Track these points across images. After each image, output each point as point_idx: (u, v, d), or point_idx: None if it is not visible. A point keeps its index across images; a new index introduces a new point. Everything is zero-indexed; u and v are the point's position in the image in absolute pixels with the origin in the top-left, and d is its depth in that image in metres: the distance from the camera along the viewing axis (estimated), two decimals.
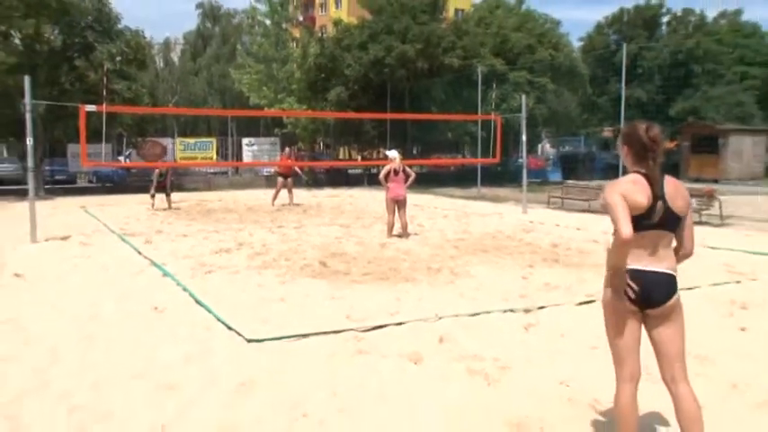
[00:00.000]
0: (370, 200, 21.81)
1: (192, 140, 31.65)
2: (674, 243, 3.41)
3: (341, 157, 38.54)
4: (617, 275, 3.27)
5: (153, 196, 19.22)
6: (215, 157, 30.49)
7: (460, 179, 30.63)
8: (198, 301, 7.24)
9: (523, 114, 17.86)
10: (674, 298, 3.33)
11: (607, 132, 40.99)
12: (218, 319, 6.47)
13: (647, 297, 3.28)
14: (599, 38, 40.62)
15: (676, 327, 3.37)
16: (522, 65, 30.40)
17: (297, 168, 21.28)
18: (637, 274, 3.27)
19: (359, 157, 38.42)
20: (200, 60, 55.19)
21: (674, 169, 31.47)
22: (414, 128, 32.87)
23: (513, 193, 23.56)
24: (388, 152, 13.14)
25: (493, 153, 19.46)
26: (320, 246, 11.34)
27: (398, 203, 12.38)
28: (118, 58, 25.97)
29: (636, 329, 3.36)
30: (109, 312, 6.87)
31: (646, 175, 3.28)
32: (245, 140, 33.08)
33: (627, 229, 3.11)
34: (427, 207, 19.12)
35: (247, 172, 34.14)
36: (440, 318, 6.47)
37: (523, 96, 18.93)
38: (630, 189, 3.24)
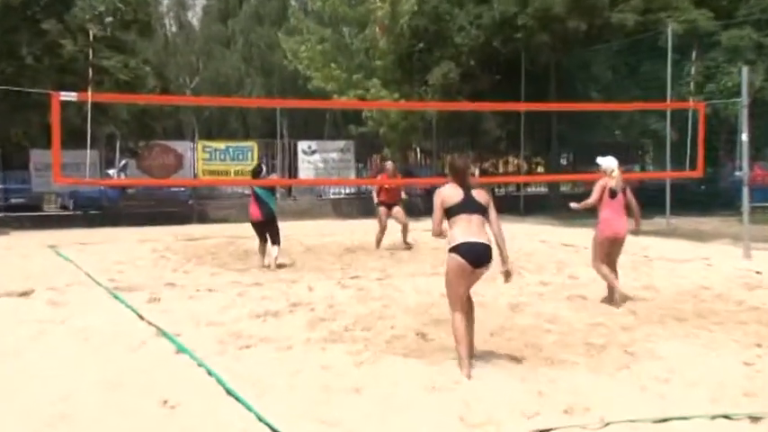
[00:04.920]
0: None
1: (221, 145, 32.39)
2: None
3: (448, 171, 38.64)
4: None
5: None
6: None
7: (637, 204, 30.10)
8: (229, 391, 7.39)
9: (744, 98, 17.56)
10: (491, 261, 7.90)
11: None
12: (260, 419, 6.58)
13: (478, 260, 7.80)
14: None
15: (479, 279, 8.11)
16: (745, 17, 29.72)
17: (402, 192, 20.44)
18: (470, 245, 7.78)
19: (476, 171, 38.41)
20: (232, 24, 56.47)
21: None
22: (562, 124, 32.71)
23: (727, 225, 22.98)
24: (601, 160, 12.57)
25: (692, 162, 19.05)
26: (416, 308, 11.44)
27: (615, 245, 11.98)
28: (108, 20, 26.69)
29: (467, 282, 7.93)
30: (91, 409, 7.00)
31: (458, 184, 8.03)
32: (302, 145, 33.60)
33: (435, 229, 8.03)
34: (582, 247, 18.90)
35: (306, 193, 34.69)
36: (606, 424, 6.43)
37: (744, 69, 18.49)
38: (448, 192, 8.02)
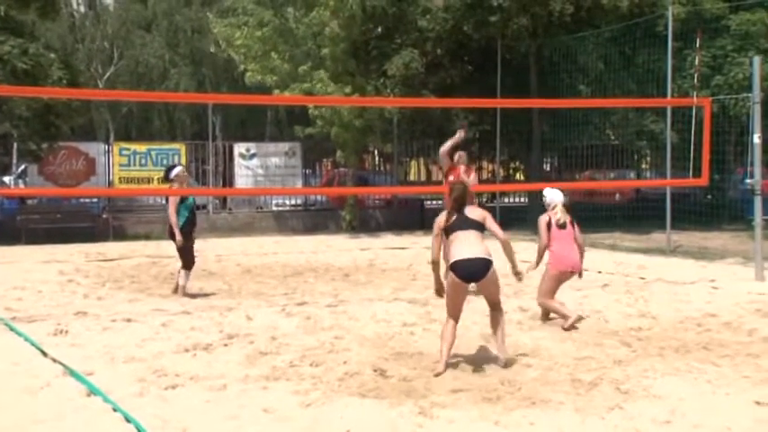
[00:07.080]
0: None
1: (141, 148, 32.20)
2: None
3: (411, 178, 38.65)
4: (436, 280, 10.24)
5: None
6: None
7: (633, 217, 30.73)
8: None
9: (756, 93, 17.71)
10: (490, 272, 9.71)
11: None
12: None
13: (471, 275, 9.73)
14: None
15: (493, 288, 9.99)
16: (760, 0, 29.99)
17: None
18: (463, 263, 9.64)
19: (444, 179, 38.48)
20: (153, 3, 56.29)
21: None
22: (546, 124, 32.94)
23: (737, 242, 23.20)
24: (548, 191, 13.56)
25: (695, 168, 19.20)
26: (374, 339, 11.48)
27: (564, 280, 12.95)
28: None
29: (463, 296, 9.98)
30: None
31: (454, 208, 10.07)
32: (238, 148, 33.53)
33: (433, 255, 10.12)
34: None
35: (243, 205, 34.72)
36: None
37: (756, 60, 18.66)
38: (444, 215, 10.08)
